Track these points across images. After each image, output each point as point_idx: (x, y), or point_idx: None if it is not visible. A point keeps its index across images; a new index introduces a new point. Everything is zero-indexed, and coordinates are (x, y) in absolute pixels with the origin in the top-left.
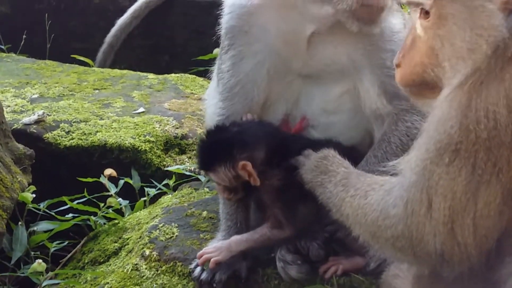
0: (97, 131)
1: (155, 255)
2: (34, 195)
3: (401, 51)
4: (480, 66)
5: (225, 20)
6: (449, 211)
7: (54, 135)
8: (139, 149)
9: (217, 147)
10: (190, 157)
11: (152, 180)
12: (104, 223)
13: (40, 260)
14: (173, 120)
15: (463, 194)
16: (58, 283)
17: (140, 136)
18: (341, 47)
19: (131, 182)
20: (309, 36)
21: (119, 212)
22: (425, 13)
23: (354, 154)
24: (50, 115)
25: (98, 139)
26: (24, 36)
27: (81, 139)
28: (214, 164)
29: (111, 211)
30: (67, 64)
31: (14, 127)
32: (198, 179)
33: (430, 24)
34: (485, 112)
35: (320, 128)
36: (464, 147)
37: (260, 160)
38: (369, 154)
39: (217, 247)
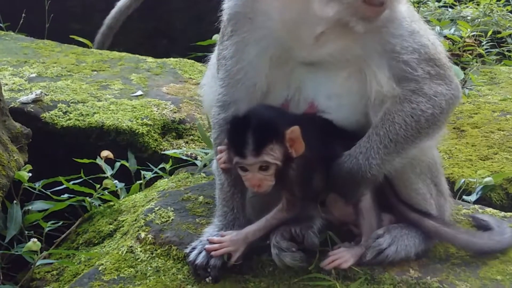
0: (94, 113)
1: (150, 238)
2: (30, 174)
3: None
4: None
5: (229, 5)
6: None
7: (51, 115)
8: (136, 132)
9: (260, 126)
10: (187, 142)
11: (149, 164)
12: (99, 205)
13: (35, 239)
14: (171, 104)
15: None
16: (52, 263)
17: (137, 119)
18: (351, 40)
19: (127, 164)
20: (317, 35)
21: (115, 194)
22: None
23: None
24: (48, 95)
25: (96, 121)
26: (23, 15)
27: (78, 120)
28: (265, 143)
29: (106, 193)
30: (65, 44)
31: (11, 105)
32: (194, 164)
33: None
34: None
35: (327, 112)
36: None
37: None
38: (371, 131)
39: (233, 240)
